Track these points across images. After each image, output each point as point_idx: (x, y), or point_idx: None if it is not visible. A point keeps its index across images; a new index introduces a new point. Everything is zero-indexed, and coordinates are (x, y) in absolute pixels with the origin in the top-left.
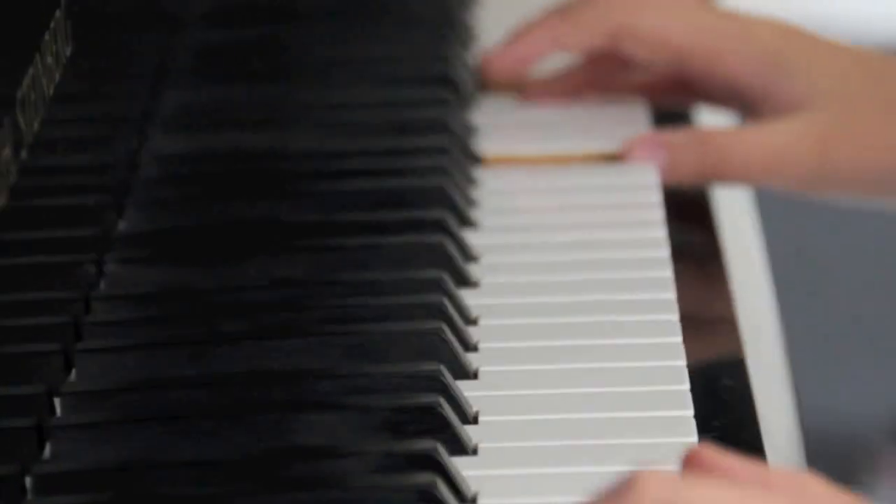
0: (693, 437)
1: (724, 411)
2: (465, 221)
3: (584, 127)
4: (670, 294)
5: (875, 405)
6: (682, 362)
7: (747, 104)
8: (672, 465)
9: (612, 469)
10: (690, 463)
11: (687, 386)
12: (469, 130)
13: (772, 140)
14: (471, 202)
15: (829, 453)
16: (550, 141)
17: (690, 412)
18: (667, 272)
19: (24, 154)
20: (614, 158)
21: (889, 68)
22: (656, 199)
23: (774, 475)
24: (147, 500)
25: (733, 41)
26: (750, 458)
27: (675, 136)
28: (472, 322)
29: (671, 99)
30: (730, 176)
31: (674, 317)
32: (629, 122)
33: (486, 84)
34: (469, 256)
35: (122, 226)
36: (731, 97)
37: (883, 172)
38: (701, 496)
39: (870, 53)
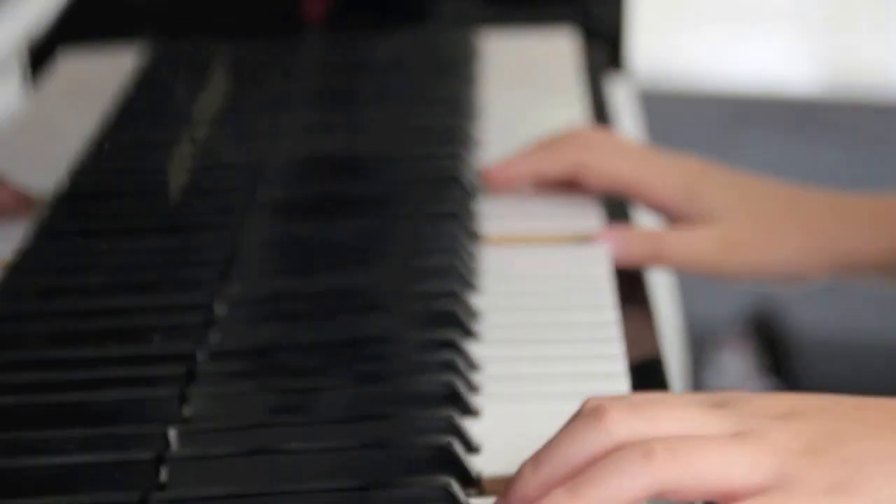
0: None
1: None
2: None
3: (554, 214)
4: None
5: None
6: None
7: (669, 217)
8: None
9: None
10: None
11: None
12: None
13: (691, 241)
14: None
15: (693, 335)
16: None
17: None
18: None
19: None
20: (584, 239)
21: (765, 192)
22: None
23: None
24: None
25: (659, 177)
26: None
27: (629, 233)
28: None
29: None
30: (663, 262)
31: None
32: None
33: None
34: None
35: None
36: (657, 211)
37: (766, 273)
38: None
39: (756, 182)
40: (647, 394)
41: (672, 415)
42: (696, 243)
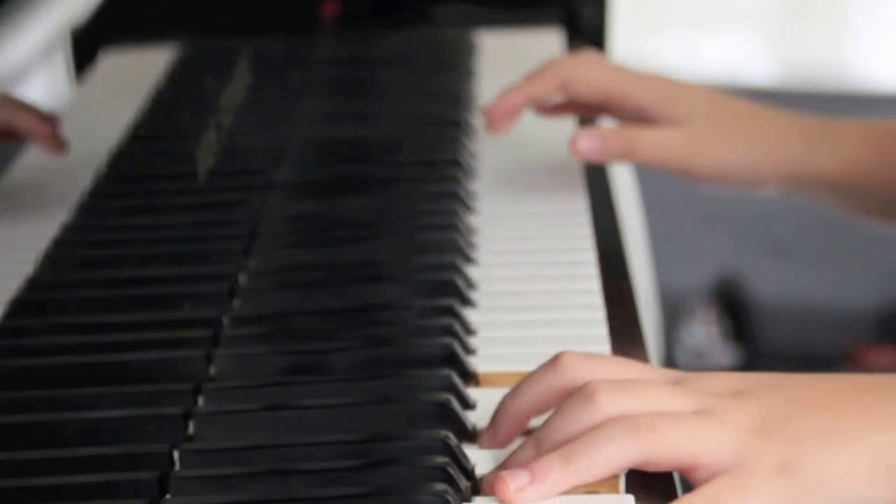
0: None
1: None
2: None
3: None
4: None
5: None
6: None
7: (645, 121)
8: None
9: None
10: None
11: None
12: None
13: (665, 138)
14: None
15: (665, 304)
16: None
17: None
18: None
19: None
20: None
21: (732, 104)
22: None
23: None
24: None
25: (640, 82)
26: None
27: (605, 129)
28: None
29: (592, 115)
30: (640, 157)
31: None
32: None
33: (486, 128)
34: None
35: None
36: (636, 117)
37: (726, 174)
38: (606, 369)
39: (721, 94)
40: (622, 364)
41: (649, 393)
42: (667, 141)
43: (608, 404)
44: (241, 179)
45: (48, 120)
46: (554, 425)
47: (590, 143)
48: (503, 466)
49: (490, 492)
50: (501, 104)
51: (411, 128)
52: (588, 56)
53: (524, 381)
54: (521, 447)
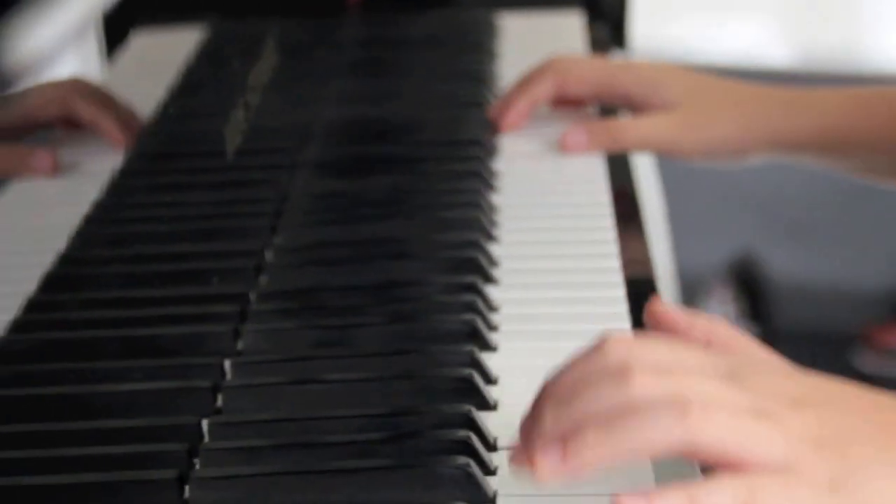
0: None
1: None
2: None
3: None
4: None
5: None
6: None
7: (634, 108)
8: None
9: None
10: (653, 321)
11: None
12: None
13: (650, 125)
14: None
15: (682, 284)
16: None
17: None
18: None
19: None
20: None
21: (714, 84)
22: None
23: (718, 332)
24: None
25: (627, 70)
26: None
27: (592, 122)
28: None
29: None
30: (626, 146)
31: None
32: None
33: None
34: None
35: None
36: (624, 104)
37: (714, 150)
38: (651, 353)
39: (703, 75)
40: (670, 348)
41: (694, 383)
42: (652, 127)
43: (644, 388)
44: (268, 158)
45: (128, 124)
46: (578, 397)
47: (576, 138)
48: (523, 429)
49: (516, 464)
50: (508, 118)
51: (435, 108)
52: (573, 56)
53: (566, 365)
54: (537, 411)
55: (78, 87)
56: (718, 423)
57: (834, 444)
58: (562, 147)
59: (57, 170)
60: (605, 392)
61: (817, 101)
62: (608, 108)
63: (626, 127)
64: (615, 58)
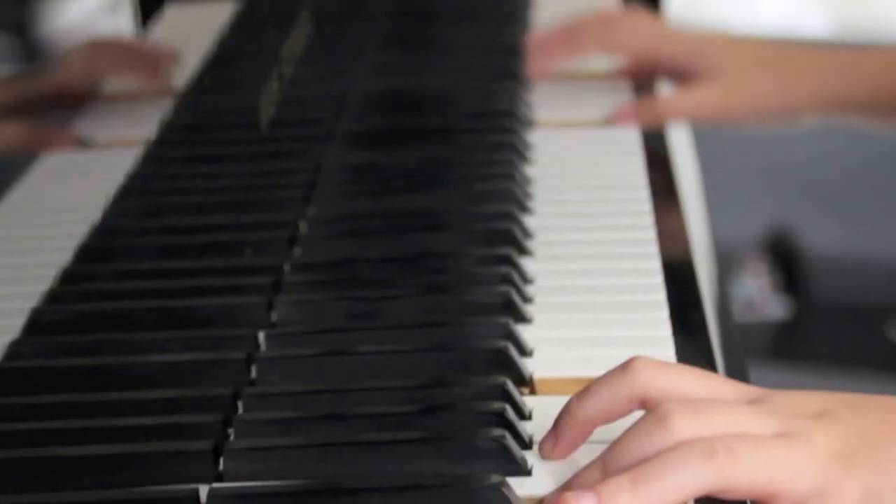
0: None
1: None
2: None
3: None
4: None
5: (746, 225)
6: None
7: (679, 77)
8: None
9: None
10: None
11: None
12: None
13: (699, 98)
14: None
15: (719, 254)
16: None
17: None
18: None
19: None
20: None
21: (760, 48)
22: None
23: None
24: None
25: (672, 38)
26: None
27: (639, 102)
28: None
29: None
30: (678, 117)
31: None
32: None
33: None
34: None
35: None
36: (670, 73)
37: (764, 115)
38: (681, 382)
39: (749, 40)
40: (693, 374)
41: (726, 414)
42: (708, 98)
43: (683, 428)
44: (301, 129)
45: (157, 62)
46: (623, 447)
47: (626, 116)
48: (567, 487)
49: None
50: (543, 64)
51: (469, 79)
52: (621, 17)
53: (591, 386)
54: (586, 468)
55: (98, 48)
56: (746, 458)
57: (863, 455)
58: (611, 122)
59: (77, 144)
60: (648, 442)
61: (868, 61)
62: (642, 82)
63: (676, 101)
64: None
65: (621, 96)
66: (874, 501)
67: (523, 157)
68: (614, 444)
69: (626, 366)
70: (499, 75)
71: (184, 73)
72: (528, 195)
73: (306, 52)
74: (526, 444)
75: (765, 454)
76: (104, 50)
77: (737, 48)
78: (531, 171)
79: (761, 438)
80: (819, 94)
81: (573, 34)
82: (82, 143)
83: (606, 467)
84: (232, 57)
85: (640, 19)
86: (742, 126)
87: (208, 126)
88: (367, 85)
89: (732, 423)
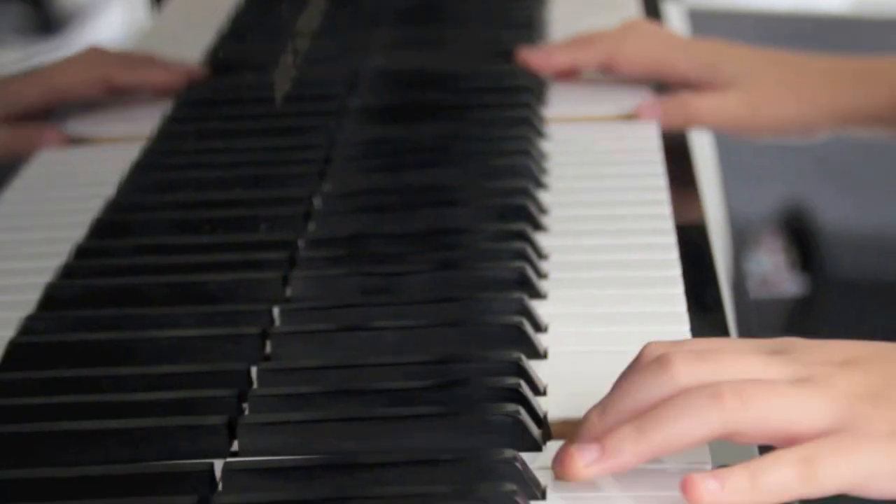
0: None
1: None
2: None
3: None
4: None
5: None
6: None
7: (693, 88)
8: None
9: None
10: None
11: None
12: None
13: (719, 104)
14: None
15: (734, 230)
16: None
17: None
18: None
19: None
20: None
21: (776, 59)
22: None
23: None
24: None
25: (683, 52)
26: None
27: (665, 100)
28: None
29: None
30: (697, 123)
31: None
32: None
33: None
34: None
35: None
36: (680, 85)
37: (782, 129)
38: (691, 343)
39: (765, 53)
40: (709, 341)
41: (735, 362)
42: (725, 105)
43: (686, 374)
44: (316, 104)
45: (170, 70)
46: (622, 393)
47: (650, 114)
48: (569, 440)
49: (557, 467)
50: (542, 60)
51: (484, 55)
52: (630, 30)
53: (619, 392)
54: (585, 416)
55: (111, 58)
56: (754, 401)
57: (888, 394)
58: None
59: (65, 142)
60: (646, 385)
61: (888, 71)
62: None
63: (701, 105)
64: (671, 16)
65: (642, 95)
66: None
67: (539, 133)
68: (613, 390)
69: (661, 365)
70: (514, 50)
71: (198, 48)
72: (543, 170)
73: (321, 27)
74: (540, 419)
75: (775, 397)
76: (119, 61)
77: (749, 59)
78: (547, 146)
79: (773, 383)
80: (837, 107)
81: (581, 44)
82: (71, 141)
83: (605, 413)
84: (246, 31)
85: (647, 31)
86: (756, 138)
87: (223, 101)
88: (381, 60)
89: (741, 371)
